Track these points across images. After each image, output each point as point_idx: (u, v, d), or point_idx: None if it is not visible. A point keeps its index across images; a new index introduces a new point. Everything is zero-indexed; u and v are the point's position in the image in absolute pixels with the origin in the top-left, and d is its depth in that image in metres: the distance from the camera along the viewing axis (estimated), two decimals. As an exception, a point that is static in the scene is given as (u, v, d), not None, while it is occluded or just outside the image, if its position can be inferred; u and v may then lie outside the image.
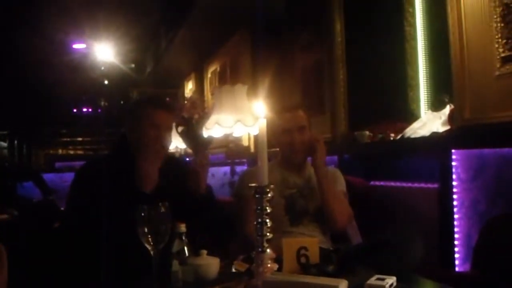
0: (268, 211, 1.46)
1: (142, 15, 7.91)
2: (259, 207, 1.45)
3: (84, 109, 18.68)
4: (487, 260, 2.29)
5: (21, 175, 5.93)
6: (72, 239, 2.14)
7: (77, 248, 2.11)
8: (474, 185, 2.74)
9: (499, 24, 2.54)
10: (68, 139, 19.66)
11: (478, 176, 2.74)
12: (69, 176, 2.40)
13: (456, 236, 2.70)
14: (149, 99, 2.48)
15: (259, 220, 1.46)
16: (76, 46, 9.75)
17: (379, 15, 4.03)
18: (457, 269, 2.67)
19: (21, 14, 7.30)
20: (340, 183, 2.70)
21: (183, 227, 1.71)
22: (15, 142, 17.03)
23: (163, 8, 7.71)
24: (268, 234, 1.46)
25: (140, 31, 8.75)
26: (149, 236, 1.63)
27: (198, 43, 7.35)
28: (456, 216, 2.71)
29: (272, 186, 1.48)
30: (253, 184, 1.47)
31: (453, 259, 2.69)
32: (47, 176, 5.97)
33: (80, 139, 19.65)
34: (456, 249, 2.70)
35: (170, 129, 2.35)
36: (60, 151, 20.04)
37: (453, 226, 2.70)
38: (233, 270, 1.86)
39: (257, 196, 1.45)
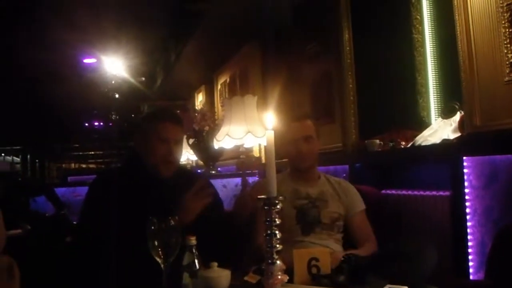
0: (277, 222, 1.46)
1: (152, 29, 7.96)
2: (268, 219, 1.45)
3: (96, 123, 18.74)
4: (501, 268, 2.27)
5: (33, 190, 5.96)
6: (84, 253, 2.15)
7: (89, 261, 2.12)
8: (486, 192, 2.71)
9: (507, 30, 2.53)
10: (80, 153, 19.78)
11: (490, 183, 2.72)
12: (82, 190, 2.41)
13: (469, 244, 2.67)
14: (156, 113, 2.49)
15: (269, 231, 1.45)
16: (86, 61, 9.83)
17: (387, 23, 4.03)
18: (471, 277, 2.64)
19: (31, 30, 7.38)
20: (358, 200, 2.72)
21: (193, 240, 1.71)
22: (28, 156, 17.17)
23: (173, 21, 7.76)
24: (277, 245, 1.46)
25: (149, 45, 8.82)
26: (159, 249, 1.63)
27: (207, 55, 7.38)
28: (469, 223, 2.68)
29: (281, 197, 1.47)
30: (262, 196, 1.47)
31: (467, 267, 2.66)
32: (60, 190, 5.98)
33: (92, 152, 19.76)
34: (470, 257, 2.67)
35: (179, 142, 2.34)
36: (72, 165, 20.18)
37: (466, 234, 2.68)
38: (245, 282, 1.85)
39: (265, 208, 1.45)
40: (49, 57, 8.49)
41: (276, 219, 1.46)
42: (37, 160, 17.41)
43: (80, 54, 9.38)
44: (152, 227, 1.65)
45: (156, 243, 1.63)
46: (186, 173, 2.62)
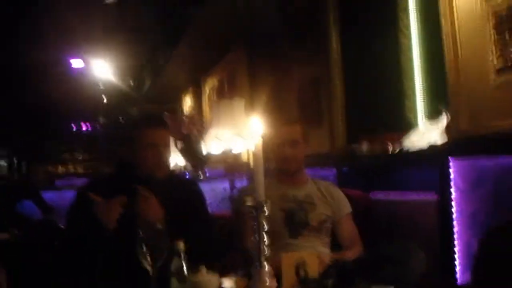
0: (266, 227, 1.46)
1: (140, 33, 7.95)
2: (256, 224, 1.45)
3: (84, 127, 18.65)
4: (487, 270, 2.28)
5: (20, 193, 5.90)
6: (72, 258, 2.14)
7: (77, 266, 2.11)
8: (473, 195, 2.73)
9: (493, 36, 2.56)
10: (68, 157, 19.65)
11: (477, 186, 2.73)
12: (69, 194, 2.38)
13: (456, 246, 2.69)
14: (141, 119, 2.48)
15: (257, 236, 1.46)
16: (74, 63, 9.80)
17: (374, 27, 4.04)
18: (458, 279, 2.66)
19: (18, 31, 7.34)
20: (344, 204, 2.73)
21: (181, 245, 1.71)
22: (15, 159, 17.05)
23: (161, 25, 7.76)
24: (266, 250, 1.46)
25: (138, 48, 8.80)
26: (147, 255, 1.63)
27: (195, 59, 7.39)
28: (456, 226, 2.70)
29: (269, 202, 1.48)
30: (249, 202, 1.47)
31: (454, 269, 2.67)
32: (47, 194, 5.93)
33: (80, 157, 19.64)
34: (456, 259, 2.68)
35: (168, 145, 2.34)
36: (59, 169, 20.03)
37: (453, 237, 2.69)
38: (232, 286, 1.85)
39: (253, 213, 1.45)
40: (35, 59, 8.45)
41: (265, 224, 1.46)
42: (23, 163, 17.27)
43: (68, 58, 9.36)
44: (140, 233, 1.64)
45: (144, 248, 1.63)
46: (176, 178, 2.62)
